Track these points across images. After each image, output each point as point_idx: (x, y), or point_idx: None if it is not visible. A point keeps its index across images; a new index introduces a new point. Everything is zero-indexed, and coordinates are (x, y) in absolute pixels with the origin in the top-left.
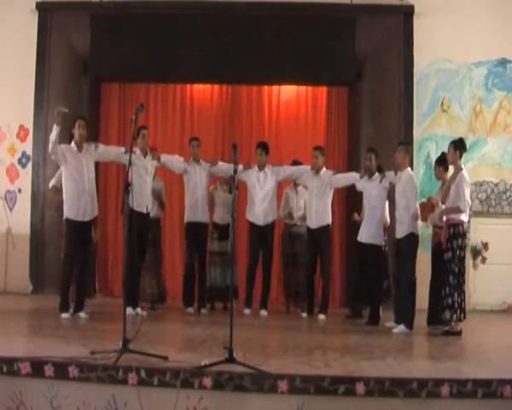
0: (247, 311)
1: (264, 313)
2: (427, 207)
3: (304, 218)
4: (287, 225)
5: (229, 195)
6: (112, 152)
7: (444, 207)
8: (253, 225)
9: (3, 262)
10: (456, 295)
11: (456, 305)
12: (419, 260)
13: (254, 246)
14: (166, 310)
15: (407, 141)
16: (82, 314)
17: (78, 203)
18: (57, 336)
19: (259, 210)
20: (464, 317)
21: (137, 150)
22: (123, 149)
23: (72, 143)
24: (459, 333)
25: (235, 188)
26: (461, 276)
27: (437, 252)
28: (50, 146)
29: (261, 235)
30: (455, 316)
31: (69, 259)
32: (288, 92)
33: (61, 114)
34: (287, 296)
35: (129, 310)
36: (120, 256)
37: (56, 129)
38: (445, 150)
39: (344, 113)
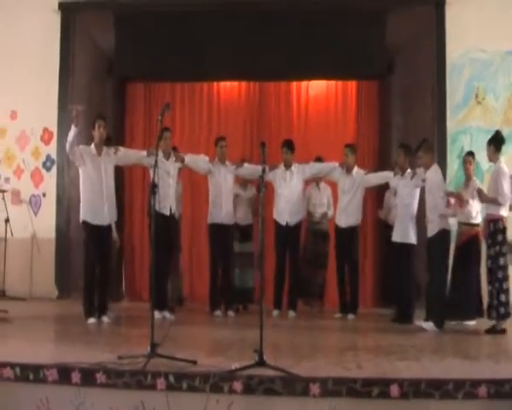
0: (275, 313)
1: (292, 313)
2: (456, 201)
3: (325, 215)
4: (310, 224)
5: (249, 195)
6: (133, 156)
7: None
8: (279, 225)
9: (29, 267)
10: (502, 292)
11: (503, 302)
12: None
13: (280, 246)
14: (194, 313)
15: (424, 139)
16: (105, 319)
17: (95, 207)
18: (84, 341)
19: (286, 210)
20: (509, 315)
21: (160, 153)
22: (144, 153)
23: (92, 145)
24: (504, 331)
25: (264, 187)
26: (505, 272)
27: (462, 250)
28: (68, 146)
29: (287, 235)
30: (502, 313)
31: (89, 263)
32: (316, 87)
33: (79, 114)
34: (301, 293)
35: (156, 314)
36: (147, 260)
37: (74, 130)
38: (480, 144)
39: (374, 107)
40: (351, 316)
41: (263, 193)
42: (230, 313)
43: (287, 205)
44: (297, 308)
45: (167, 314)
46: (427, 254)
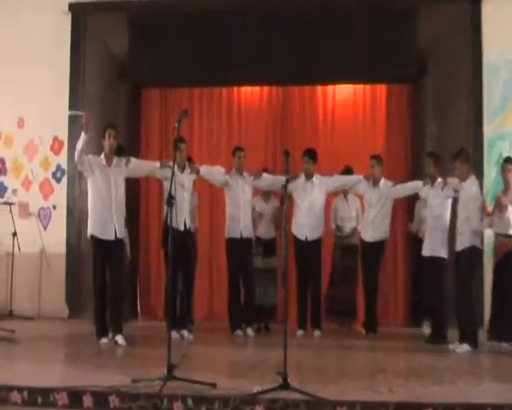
0: (300, 333)
1: (317, 332)
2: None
3: (355, 229)
4: (338, 238)
5: (272, 207)
6: (145, 167)
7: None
8: (297, 240)
9: (37, 284)
10: None
11: None
12: (487, 270)
13: (300, 262)
14: (213, 333)
15: (462, 148)
16: (119, 339)
17: (103, 221)
18: (96, 363)
19: (305, 223)
20: None
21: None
22: (157, 164)
23: (102, 155)
24: None
25: (287, 199)
26: None
27: (502, 266)
28: (76, 155)
29: (307, 250)
30: None
31: (98, 279)
32: (343, 92)
33: (89, 121)
34: (330, 312)
35: (173, 333)
36: (163, 277)
37: (84, 138)
38: None
39: (406, 112)
40: (370, 335)
41: (286, 205)
42: (250, 331)
43: (306, 219)
44: (322, 327)
45: (185, 334)
46: (455, 270)
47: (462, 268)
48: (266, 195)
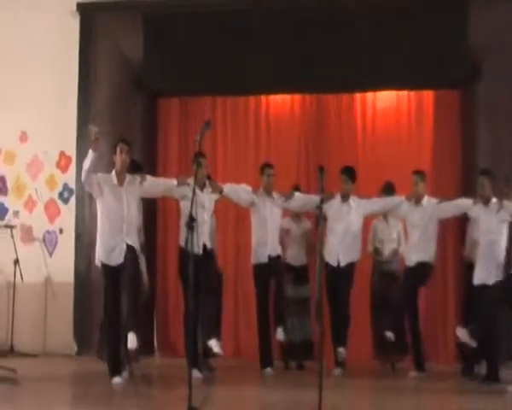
0: (337, 371)
1: (341, 350)
2: None
3: (396, 252)
4: (377, 263)
5: (303, 229)
6: (161, 185)
7: None
8: (329, 267)
9: (42, 317)
10: None
11: None
12: None
13: (331, 292)
14: (241, 370)
15: None
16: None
17: (112, 245)
18: (108, 405)
19: (338, 248)
20: None
21: (192, 182)
22: (174, 182)
23: (113, 173)
24: None
25: (323, 219)
26: None
27: None
28: (84, 175)
29: (339, 277)
30: None
31: (111, 312)
32: (385, 99)
33: (98, 137)
34: (376, 347)
35: (195, 372)
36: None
37: (92, 155)
38: None
39: (455, 122)
40: (412, 374)
41: (322, 226)
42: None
43: (340, 244)
44: (366, 367)
45: (208, 372)
46: (507, 297)
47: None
48: (296, 215)
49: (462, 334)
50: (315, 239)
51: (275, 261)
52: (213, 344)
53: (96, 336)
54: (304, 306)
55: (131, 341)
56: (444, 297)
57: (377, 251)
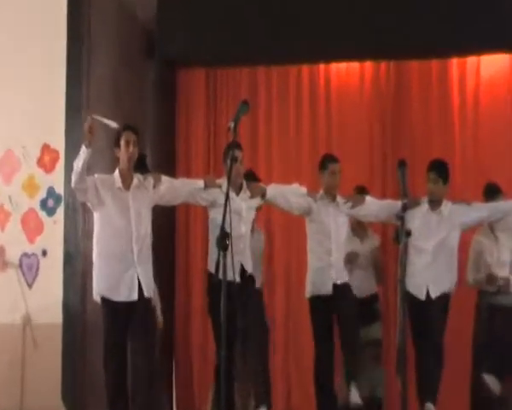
0: None
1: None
2: None
3: (508, 281)
4: (484, 294)
5: (369, 246)
6: (182, 189)
7: None
8: (414, 300)
9: (18, 371)
10: None
11: None
12: None
13: (418, 334)
14: None
15: None
16: None
17: (118, 275)
18: None
19: (426, 275)
20: None
21: (225, 184)
22: (200, 183)
23: (116, 173)
24: None
25: (407, 234)
26: None
27: None
28: (74, 178)
29: (426, 313)
30: None
31: (112, 364)
32: (493, 65)
33: (94, 127)
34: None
35: None
36: (212, 355)
37: (85, 153)
38: None
39: None
40: None
41: (404, 244)
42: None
43: (429, 268)
44: None
45: None
46: None
47: None
48: (361, 227)
49: None
50: (387, 261)
51: (341, 292)
52: None
53: (91, 396)
54: (372, 351)
55: None
56: None
57: (491, 278)
